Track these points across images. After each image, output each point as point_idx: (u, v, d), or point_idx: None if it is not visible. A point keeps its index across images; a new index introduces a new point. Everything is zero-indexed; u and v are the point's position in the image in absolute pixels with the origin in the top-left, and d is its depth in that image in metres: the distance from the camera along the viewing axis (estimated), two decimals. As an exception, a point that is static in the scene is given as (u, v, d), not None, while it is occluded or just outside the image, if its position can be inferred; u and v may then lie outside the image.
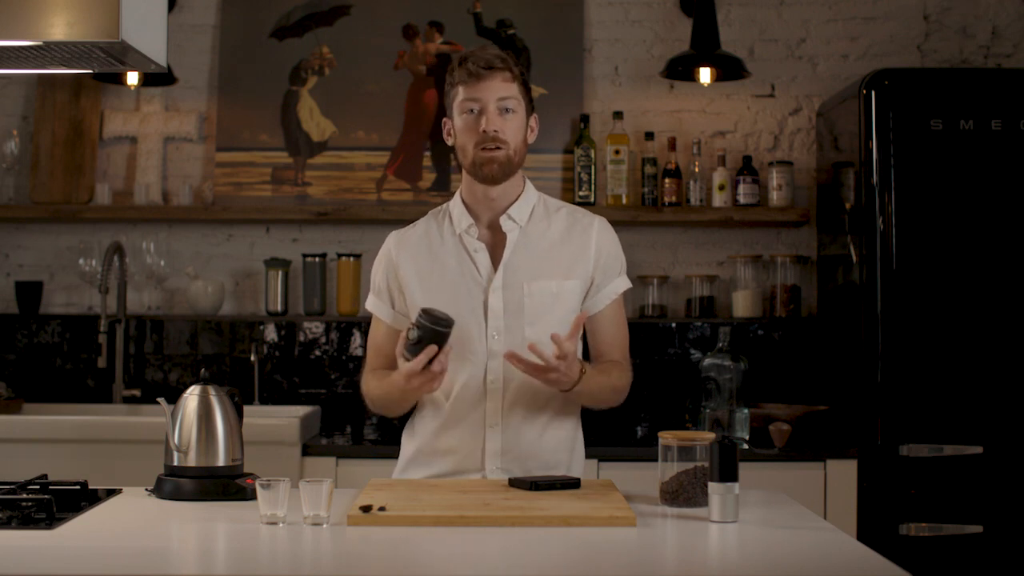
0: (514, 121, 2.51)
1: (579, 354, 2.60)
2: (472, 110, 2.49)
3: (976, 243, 3.53)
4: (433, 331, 2.34)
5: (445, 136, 2.59)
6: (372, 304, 2.65)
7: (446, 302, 2.51)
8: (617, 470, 3.40)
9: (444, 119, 2.59)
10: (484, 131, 2.47)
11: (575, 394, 2.48)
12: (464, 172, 2.57)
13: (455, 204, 2.60)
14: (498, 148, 2.49)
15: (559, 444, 2.57)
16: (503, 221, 2.56)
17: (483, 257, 2.55)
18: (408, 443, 2.64)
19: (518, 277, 2.53)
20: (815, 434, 3.76)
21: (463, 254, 2.56)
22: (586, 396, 2.52)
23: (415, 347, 2.36)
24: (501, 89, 2.49)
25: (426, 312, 2.36)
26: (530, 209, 2.58)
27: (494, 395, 2.51)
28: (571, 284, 2.54)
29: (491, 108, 2.48)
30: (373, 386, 2.61)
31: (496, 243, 2.57)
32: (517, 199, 2.57)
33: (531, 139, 2.58)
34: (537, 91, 4.17)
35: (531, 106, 2.57)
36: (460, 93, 2.51)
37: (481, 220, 2.58)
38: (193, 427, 2.36)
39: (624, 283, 2.62)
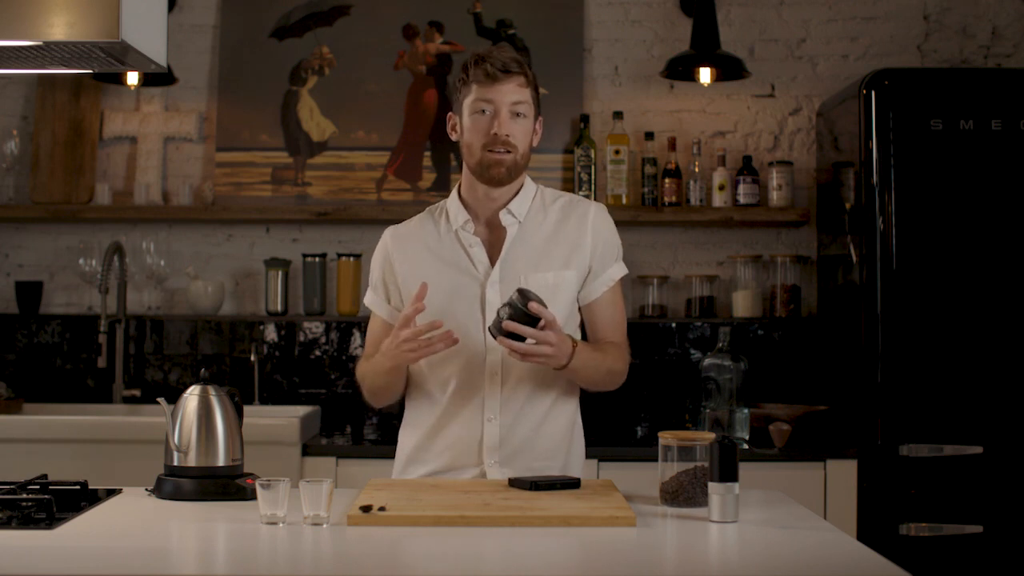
0: (524, 126, 2.52)
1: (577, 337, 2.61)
2: (484, 111, 2.50)
3: (976, 243, 3.53)
4: (521, 311, 2.34)
5: (449, 131, 2.59)
6: (370, 300, 2.67)
7: (442, 296, 2.52)
8: (617, 470, 3.40)
9: (450, 114, 2.59)
10: (495, 134, 2.48)
11: (570, 371, 2.47)
12: (466, 169, 2.57)
13: (452, 201, 2.61)
14: (507, 152, 2.50)
15: (557, 437, 2.57)
16: (503, 216, 2.56)
17: (479, 252, 2.55)
18: (406, 439, 2.64)
19: (515, 270, 2.54)
20: (815, 434, 3.76)
21: (459, 249, 2.57)
22: (582, 373, 2.51)
23: (499, 326, 2.36)
24: (515, 93, 2.50)
25: (520, 292, 2.36)
26: (529, 203, 2.59)
27: (492, 389, 2.51)
28: (569, 274, 2.55)
29: (504, 112, 2.49)
30: (365, 366, 2.61)
31: (493, 238, 2.57)
32: (516, 194, 2.58)
33: (535, 142, 2.59)
34: (537, 91, 4.17)
35: (538, 109, 2.58)
36: (473, 92, 2.51)
37: (479, 216, 2.58)
38: (193, 427, 2.36)
39: (620, 270, 2.62)
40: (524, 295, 2.35)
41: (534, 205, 2.60)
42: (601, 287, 2.59)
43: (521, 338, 2.35)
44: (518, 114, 2.50)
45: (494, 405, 2.52)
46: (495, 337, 2.38)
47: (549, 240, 2.57)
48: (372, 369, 2.57)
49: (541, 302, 2.36)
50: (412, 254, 2.59)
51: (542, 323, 2.36)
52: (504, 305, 2.37)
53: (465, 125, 2.53)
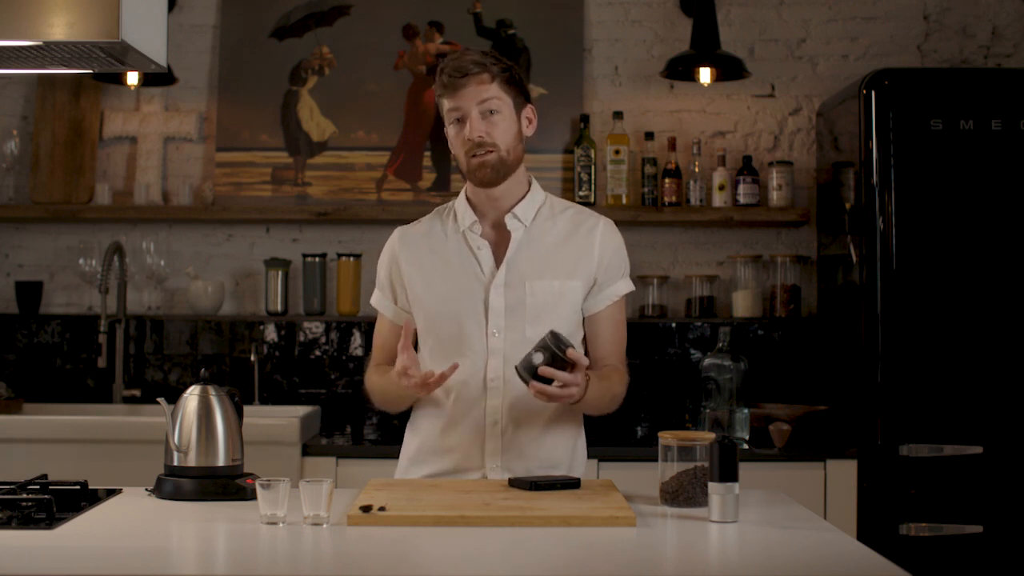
0: (500, 122, 2.50)
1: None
2: (457, 119, 2.51)
3: (976, 243, 3.53)
4: (559, 356, 2.32)
5: (449, 145, 2.60)
6: (376, 299, 2.67)
7: (446, 298, 2.52)
8: (617, 470, 3.40)
9: (446, 128, 2.60)
10: (468, 139, 2.48)
11: (582, 404, 2.48)
12: None
13: (460, 202, 2.61)
14: (487, 152, 2.49)
15: (560, 443, 2.57)
16: (508, 220, 2.56)
17: (486, 254, 2.55)
18: (410, 441, 2.65)
19: (521, 275, 2.53)
20: (815, 434, 3.76)
21: (466, 251, 2.56)
22: (590, 404, 2.52)
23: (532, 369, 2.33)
24: (479, 93, 2.48)
25: (554, 335, 2.33)
26: (536, 209, 2.59)
27: (494, 393, 2.51)
28: (574, 284, 2.55)
29: (473, 114, 2.48)
30: (374, 381, 2.63)
31: (500, 241, 2.57)
32: (523, 198, 2.58)
33: (528, 132, 2.57)
34: (537, 91, 4.17)
35: (524, 99, 2.56)
36: (445, 103, 2.53)
37: (486, 218, 2.58)
38: (193, 427, 2.36)
39: (626, 286, 2.62)
40: (559, 339, 2.32)
41: (542, 212, 2.59)
42: (605, 300, 2.59)
43: (548, 379, 2.33)
44: (491, 111, 2.49)
45: (496, 409, 2.52)
46: (525, 381, 2.33)
47: (556, 248, 2.56)
48: (382, 387, 2.59)
49: (572, 345, 2.34)
50: (418, 255, 2.59)
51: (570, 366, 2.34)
52: (537, 349, 2.33)
53: (448, 136, 2.55)
